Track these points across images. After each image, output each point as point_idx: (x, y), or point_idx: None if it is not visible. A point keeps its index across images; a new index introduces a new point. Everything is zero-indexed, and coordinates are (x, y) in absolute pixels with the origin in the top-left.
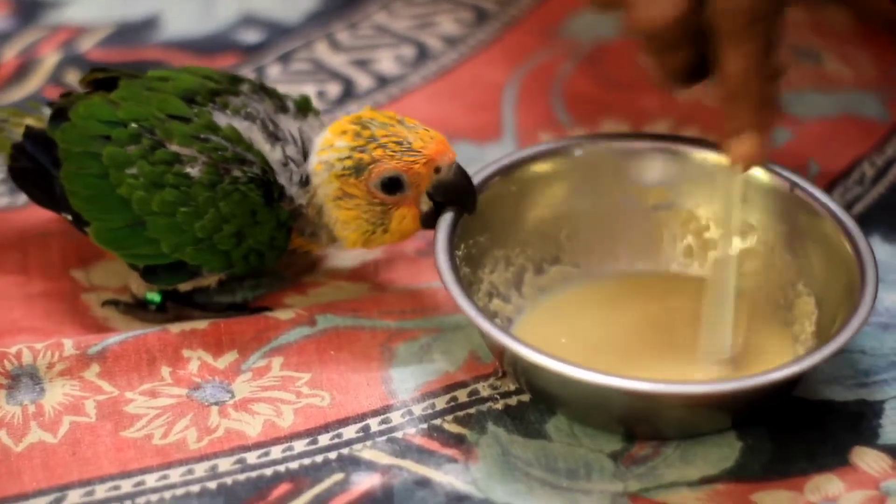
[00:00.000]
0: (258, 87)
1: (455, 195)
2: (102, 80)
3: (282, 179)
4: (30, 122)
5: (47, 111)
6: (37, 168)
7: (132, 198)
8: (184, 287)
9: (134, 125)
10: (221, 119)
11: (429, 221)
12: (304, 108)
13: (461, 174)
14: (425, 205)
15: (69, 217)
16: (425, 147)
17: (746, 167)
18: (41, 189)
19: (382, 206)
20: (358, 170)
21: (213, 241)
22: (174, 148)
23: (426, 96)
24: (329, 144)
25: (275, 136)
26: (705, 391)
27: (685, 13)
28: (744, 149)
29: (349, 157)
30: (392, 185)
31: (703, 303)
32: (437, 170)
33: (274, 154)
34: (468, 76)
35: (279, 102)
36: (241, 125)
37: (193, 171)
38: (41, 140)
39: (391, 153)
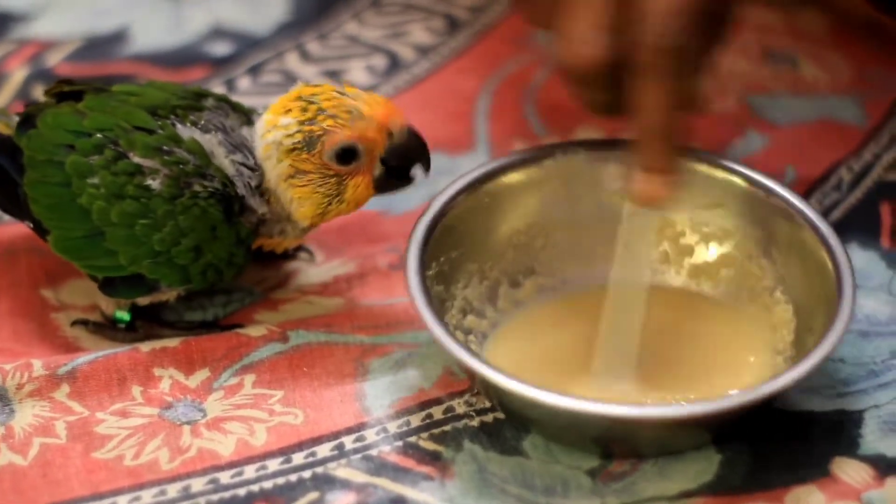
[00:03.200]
0: (223, 101)
1: (410, 157)
2: (68, 92)
3: (241, 191)
4: None
5: (16, 119)
6: (1, 174)
7: (92, 208)
8: (143, 301)
9: (99, 135)
10: (184, 132)
11: (382, 186)
12: None
13: (414, 136)
14: (377, 169)
15: (31, 225)
16: (375, 112)
17: (647, 206)
18: (5, 195)
19: (337, 178)
20: (309, 143)
21: (170, 254)
22: (136, 159)
23: (398, 106)
24: (273, 124)
25: (233, 147)
26: (683, 414)
27: (605, 56)
28: (645, 187)
29: (298, 132)
30: (347, 154)
31: (604, 323)
32: (390, 134)
33: (232, 166)
34: (440, 85)
35: (244, 117)
36: (203, 138)
37: (154, 183)
38: (8, 147)
39: (342, 122)
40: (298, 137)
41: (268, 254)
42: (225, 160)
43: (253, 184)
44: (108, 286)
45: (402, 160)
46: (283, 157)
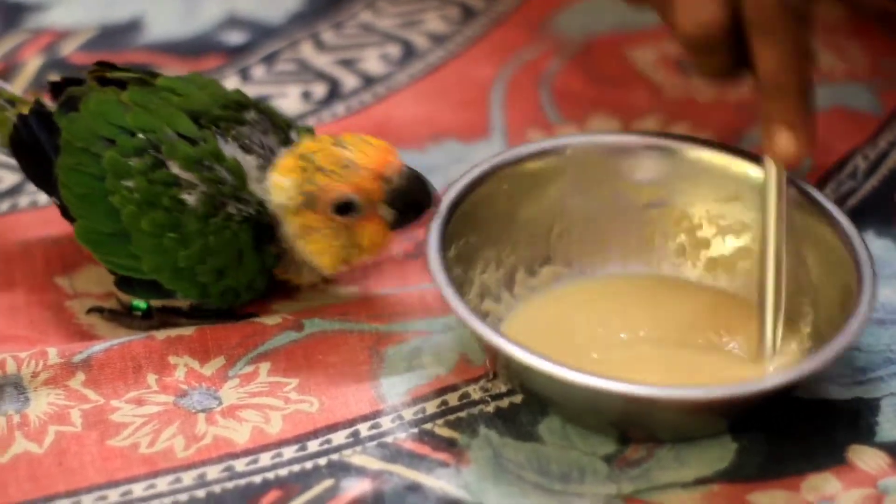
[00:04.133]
0: (264, 113)
1: (411, 200)
2: (111, 78)
3: (269, 219)
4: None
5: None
6: (37, 147)
7: (123, 210)
8: (156, 304)
9: (142, 136)
10: (226, 149)
11: (397, 224)
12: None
13: (411, 177)
14: (388, 213)
15: (58, 203)
16: (369, 160)
17: (787, 165)
18: (37, 168)
19: (347, 229)
20: (309, 202)
21: (194, 271)
22: (176, 171)
23: (413, 95)
24: (279, 187)
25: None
26: (703, 396)
27: (724, 19)
28: (783, 145)
29: (299, 194)
30: (346, 207)
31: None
32: (387, 180)
33: (266, 192)
34: (455, 74)
35: (283, 134)
36: (243, 158)
37: (190, 198)
38: (47, 122)
39: (336, 176)
40: (300, 199)
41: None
42: (259, 186)
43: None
44: (125, 284)
45: (403, 203)
46: (291, 218)
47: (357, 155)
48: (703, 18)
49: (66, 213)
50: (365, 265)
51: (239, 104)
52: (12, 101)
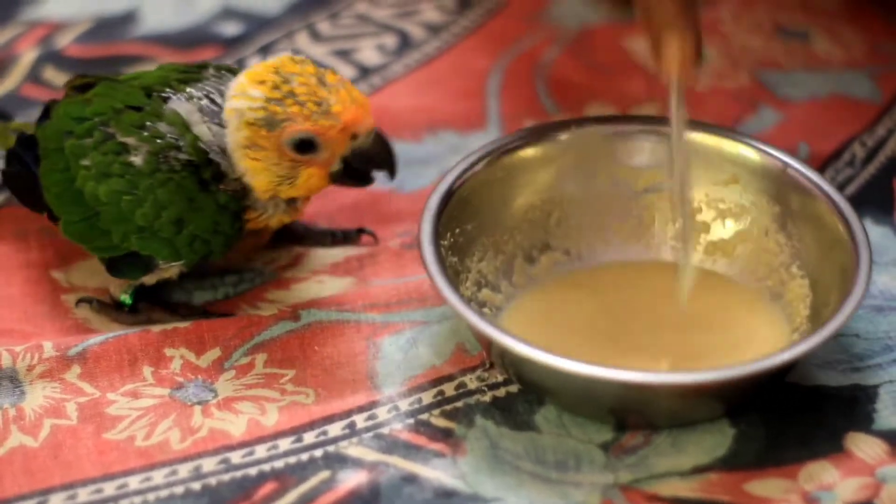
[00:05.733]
0: (228, 70)
1: (372, 163)
2: (86, 84)
3: (215, 157)
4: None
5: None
6: (27, 171)
7: (85, 189)
8: (149, 281)
9: (96, 119)
10: (171, 103)
11: (338, 180)
12: None
13: (380, 142)
14: (336, 166)
15: (46, 213)
16: (344, 112)
17: (677, 71)
18: (30, 192)
19: (292, 163)
20: (270, 123)
21: (154, 228)
22: (121, 138)
23: (409, 85)
24: (242, 91)
25: (213, 112)
26: (698, 380)
27: None
28: (672, 49)
29: (263, 108)
30: (304, 145)
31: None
32: (354, 136)
33: (209, 132)
34: (451, 64)
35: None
36: (183, 107)
37: (137, 159)
38: (30, 143)
39: (307, 113)
40: (261, 114)
41: (286, 233)
42: (203, 126)
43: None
44: (113, 268)
45: (364, 164)
46: (242, 127)
47: (335, 100)
48: None
49: (52, 216)
50: (360, 255)
51: (199, 67)
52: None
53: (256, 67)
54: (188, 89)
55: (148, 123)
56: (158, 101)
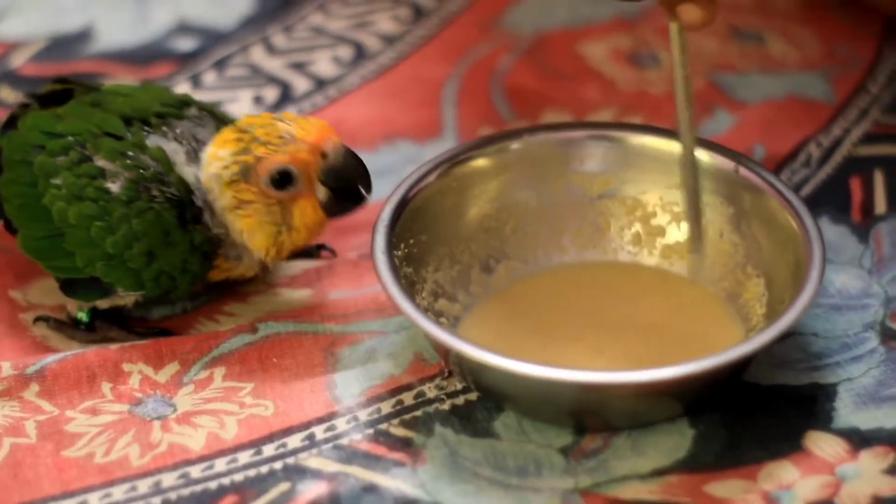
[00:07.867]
0: (208, 111)
1: (346, 178)
2: (60, 91)
3: (199, 202)
4: None
5: None
6: None
7: (53, 208)
8: (102, 304)
9: (70, 138)
10: (153, 139)
11: (331, 209)
12: None
13: (349, 156)
14: (322, 193)
15: (3, 223)
16: (307, 134)
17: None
18: None
19: (280, 205)
20: (245, 173)
21: (123, 258)
22: (100, 163)
23: (365, 96)
24: (214, 158)
25: (198, 159)
26: (654, 378)
27: None
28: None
29: (234, 163)
30: (282, 179)
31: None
32: (324, 155)
33: (193, 178)
34: (407, 74)
35: (221, 129)
36: (168, 146)
37: (114, 186)
38: None
39: (274, 148)
40: (235, 169)
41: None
42: (187, 169)
43: (210, 200)
44: (68, 288)
45: (340, 181)
46: (224, 190)
47: (296, 129)
48: None
49: (9, 226)
50: (318, 268)
51: (182, 102)
52: None
53: (220, 134)
54: (166, 128)
55: (130, 153)
56: (140, 133)
